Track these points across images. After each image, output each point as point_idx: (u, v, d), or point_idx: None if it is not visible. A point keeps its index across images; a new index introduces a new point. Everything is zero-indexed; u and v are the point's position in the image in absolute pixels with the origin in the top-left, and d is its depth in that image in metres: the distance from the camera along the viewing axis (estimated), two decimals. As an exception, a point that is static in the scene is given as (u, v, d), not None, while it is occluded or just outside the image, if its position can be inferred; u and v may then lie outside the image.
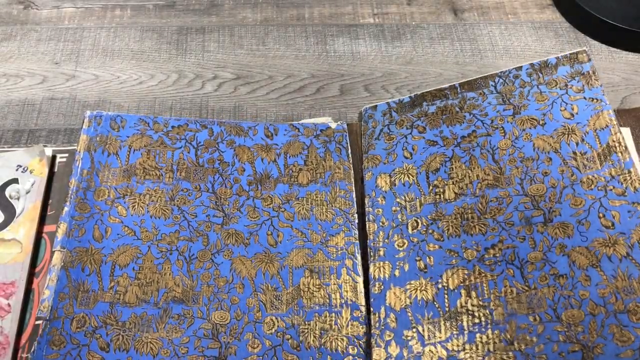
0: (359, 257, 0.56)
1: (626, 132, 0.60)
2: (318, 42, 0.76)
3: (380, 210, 0.58)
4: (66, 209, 0.56)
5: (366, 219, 0.58)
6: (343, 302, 0.54)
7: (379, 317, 0.52)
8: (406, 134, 0.61)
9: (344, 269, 0.55)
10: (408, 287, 0.53)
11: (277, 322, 0.52)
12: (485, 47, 0.75)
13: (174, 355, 0.50)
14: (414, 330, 0.50)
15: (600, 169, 0.52)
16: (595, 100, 0.56)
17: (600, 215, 0.50)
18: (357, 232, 0.58)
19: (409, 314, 0.51)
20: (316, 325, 0.52)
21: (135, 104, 0.69)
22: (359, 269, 0.56)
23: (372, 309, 0.53)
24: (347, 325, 0.53)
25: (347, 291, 0.54)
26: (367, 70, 0.73)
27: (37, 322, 0.51)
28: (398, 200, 0.58)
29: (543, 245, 0.50)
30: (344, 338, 0.52)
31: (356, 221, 0.58)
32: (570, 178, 0.53)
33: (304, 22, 0.78)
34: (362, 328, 0.52)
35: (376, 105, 0.65)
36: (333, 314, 0.53)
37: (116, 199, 0.57)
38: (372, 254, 0.56)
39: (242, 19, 0.78)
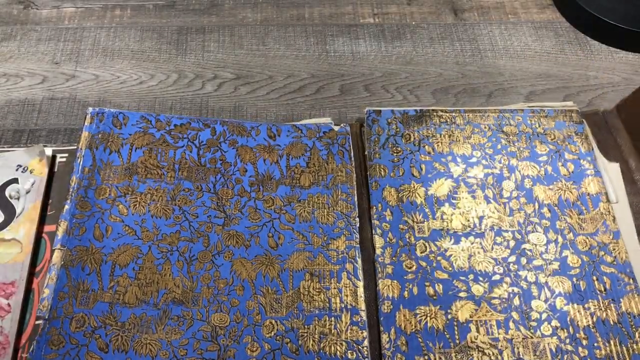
0: (359, 261, 0.56)
1: (615, 168, 0.63)
2: (318, 42, 0.75)
3: (387, 225, 0.58)
4: (67, 207, 0.56)
5: (373, 232, 0.58)
6: (343, 306, 0.54)
7: (390, 337, 0.52)
8: (414, 151, 0.62)
9: (345, 272, 0.55)
10: (418, 311, 0.53)
11: (277, 325, 0.52)
12: (485, 47, 0.75)
13: (172, 357, 0.50)
14: (426, 357, 0.51)
15: (593, 233, 0.57)
16: (588, 164, 0.61)
17: (594, 278, 0.55)
18: (358, 236, 0.58)
19: (420, 340, 0.52)
20: (315, 329, 0.52)
21: (135, 104, 0.68)
22: (360, 273, 0.56)
23: (382, 328, 0.53)
24: (347, 330, 0.53)
25: (347, 295, 0.54)
26: (367, 70, 0.73)
27: (37, 322, 0.51)
28: (406, 218, 0.58)
29: (545, 296, 0.54)
30: (343, 343, 0.52)
31: (357, 225, 0.58)
32: (567, 235, 0.57)
33: (304, 22, 0.78)
34: (362, 333, 0.53)
35: (380, 110, 0.65)
36: (333, 318, 0.53)
37: (117, 197, 0.57)
38: (380, 269, 0.56)
39: (242, 18, 0.78)
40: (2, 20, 0.76)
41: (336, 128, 0.64)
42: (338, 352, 0.51)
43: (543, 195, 0.59)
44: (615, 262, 0.55)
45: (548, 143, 0.63)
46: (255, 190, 0.59)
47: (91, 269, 0.53)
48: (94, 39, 0.75)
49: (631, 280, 0.54)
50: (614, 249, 0.56)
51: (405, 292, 0.54)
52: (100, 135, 0.60)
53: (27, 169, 0.58)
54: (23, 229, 0.55)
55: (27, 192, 0.57)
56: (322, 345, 0.52)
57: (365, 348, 0.52)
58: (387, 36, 0.76)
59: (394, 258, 0.56)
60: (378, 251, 0.57)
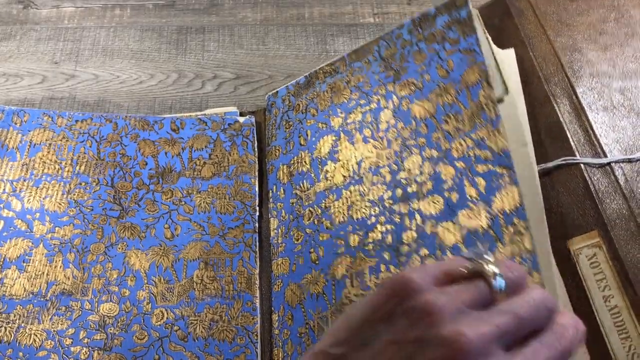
0: (256, 249, 0.59)
1: (509, 54, 0.57)
2: (318, 41, 0.79)
3: (281, 204, 0.60)
4: (-41, 203, 0.58)
5: (269, 215, 0.60)
6: (236, 293, 0.56)
7: (279, 315, 0.54)
8: (301, 119, 0.63)
9: (240, 260, 0.58)
10: (303, 281, 0.55)
11: (167, 313, 0.55)
12: (486, 46, 0.79)
13: (57, 347, 0.52)
14: (307, 326, 0.53)
15: (470, 131, 0.52)
16: (469, 52, 0.55)
17: (467, 184, 0.50)
18: (257, 224, 0.60)
19: (302, 310, 0.53)
20: (206, 316, 0.55)
21: (135, 104, 0.72)
22: (256, 260, 0.58)
23: (273, 308, 0.55)
24: (238, 316, 0.55)
25: (241, 283, 0.57)
26: (367, 70, 0.76)
27: None
28: (295, 191, 0.60)
29: (416, 224, 0.51)
30: (234, 328, 0.54)
31: (257, 214, 0.61)
32: (443, 146, 0.53)
33: (304, 21, 0.81)
34: (253, 318, 0.55)
35: (277, 91, 0.68)
36: (225, 305, 0.55)
37: (12, 192, 0.60)
38: (274, 250, 0.58)
39: (242, 18, 0.81)
40: (2, 20, 0.80)
41: (242, 119, 0.67)
42: (227, 338, 0.54)
43: (421, 110, 0.55)
44: (492, 157, 0.49)
45: (427, 49, 0.58)
46: (154, 183, 0.62)
47: (-21, 262, 0.56)
48: (94, 38, 0.78)
49: (505, 171, 0.48)
50: (491, 142, 0.50)
51: (294, 266, 0.56)
52: (-2, 132, 0.63)
53: None
54: None
55: None
56: (211, 331, 0.54)
57: (255, 334, 0.54)
58: (387, 36, 0.80)
59: (285, 235, 0.58)
60: (272, 233, 0.59)
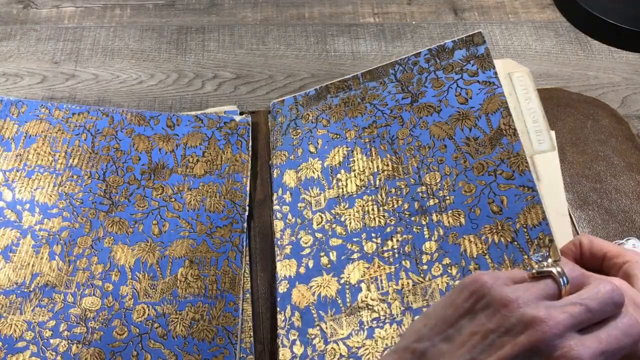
0: (243, 249, 0.59)
1: (554, 159, 0.61)
2: (318, 41, 0.79)
3: (287, 207, 0.61)
4: (-49, 190, 0.60)
5: (273, 217, 0.61)
6: (219, 293, 0.56)
7: (285, 316, 0.55)
8: (311, 128, 0.65)
9: (226, 260, 0.58)
10: (312, 284, 0.56)
11: (148, 310, 0.55)
12: (486, 46, 0.79)
13: (36, 338, 0.53)
14: (318, 328, 0.53)
15: (491, 153, 0.56)
16: (488, 84, 0.59)
17: (490, 200, 0.53)
18: (245, 224, 0.61)
19: (313, 312, 0.54)
20: (188, 314, 0.55)
21: (135, 104, 0.73)
22: (242, 260, 0.58)
23: (278, 309, 0.55)
24: (220, 316, 0.55)
25: (225, 282, 0.57)
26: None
27: None
28: (304, 196, 0.61)
29: (437, 235, 0.54)
30: (214, 329, 0.55)
31: (246, 213, 0.61)
32: (463, 165, 0.56)
33: (304, 21, 0.82)
34: (235, 319, 0.55)
35: (283, 100, 0.68)
36: (207, 305, 0.56)
37: (4, 182, 0.61)
38: (278, 252, 0.59)
39: (242, 18, 0.82)
40: (2, 19, 0.81)
41: (238, 118, 0.67)
42: (207, 338, 0.54)
43: (439, 132, 0.59)
44: (513, 177, 0.53)
45: (445, 77, 0.62)
46: (146, 179, 0.63)
47: (-34, 251, 0.57)
48: (94, 38, 0.80)
49: (529, 191, 0.52)
50: (512, 164, 0.54)
51: (302, 268, 0.57)
52: (-6, 123, 0.65)
53: None
54: None
55: None
56: (191, 330, 0.54)
57: (235, 334, 0.54)
58: (387, 36, 0.80)
59: (292, 237, 0.59)
60: (277, 234, 0.60)
